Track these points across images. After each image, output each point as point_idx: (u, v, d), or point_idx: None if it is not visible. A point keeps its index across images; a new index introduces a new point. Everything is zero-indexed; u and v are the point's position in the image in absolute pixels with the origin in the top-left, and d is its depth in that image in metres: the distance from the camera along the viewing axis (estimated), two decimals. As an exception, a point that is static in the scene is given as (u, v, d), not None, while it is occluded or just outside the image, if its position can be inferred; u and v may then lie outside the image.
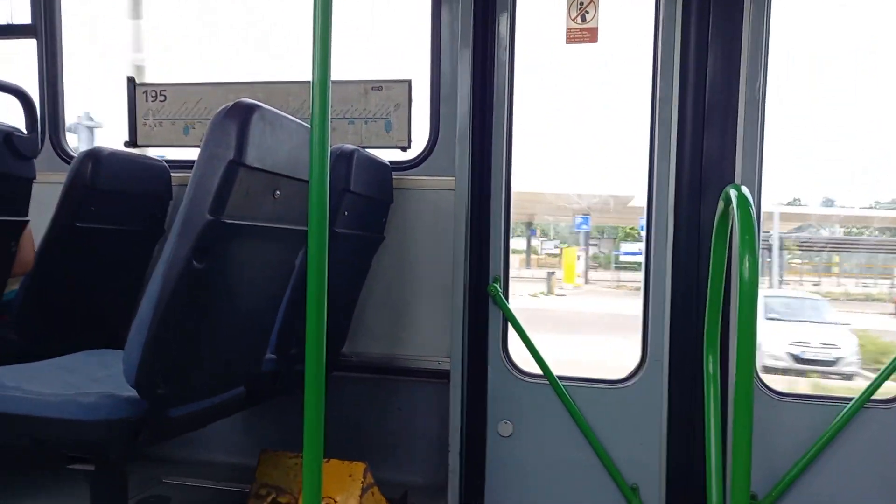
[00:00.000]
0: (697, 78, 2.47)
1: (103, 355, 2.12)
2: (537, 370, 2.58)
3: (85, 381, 1.77)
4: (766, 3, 2.40)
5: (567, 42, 2.65)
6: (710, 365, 2.06)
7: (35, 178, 2.32)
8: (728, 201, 1.75)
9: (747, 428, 1.52)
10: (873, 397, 2.36)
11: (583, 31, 2.63)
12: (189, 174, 1.64)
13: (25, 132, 2.26)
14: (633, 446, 2.53)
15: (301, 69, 3.05)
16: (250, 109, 1.64)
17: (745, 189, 1.68)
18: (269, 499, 2.15)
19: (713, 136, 2.47)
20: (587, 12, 2.61)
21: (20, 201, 2.30)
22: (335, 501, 2.14)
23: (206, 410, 1.88)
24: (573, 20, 2.62)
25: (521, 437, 2.60)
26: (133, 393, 1.60)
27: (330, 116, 1.44)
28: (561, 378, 2.56)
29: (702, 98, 2.47)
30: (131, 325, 1.62)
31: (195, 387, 1.80)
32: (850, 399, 2.38)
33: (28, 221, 2.35)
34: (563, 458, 2.57)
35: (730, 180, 2.44)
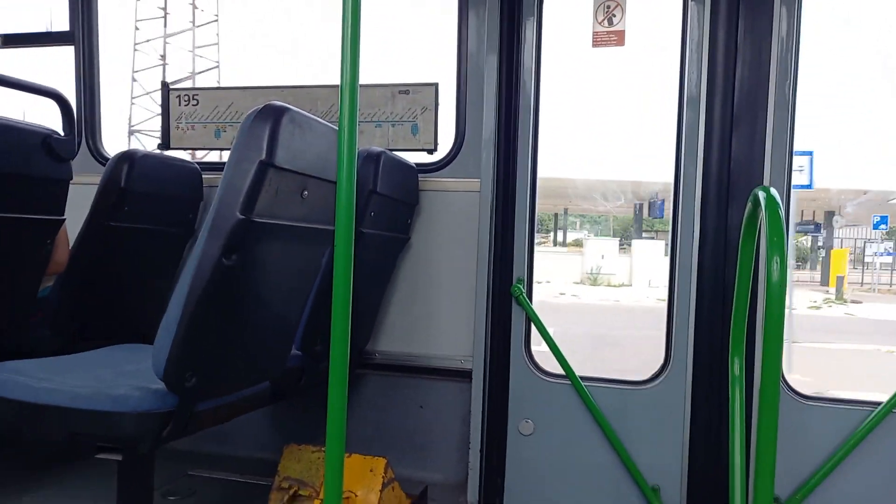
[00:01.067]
0: (725, 80, 2.45)
1: (133, 350, 2.18)
2: (559, 370, 2.57)
3: (115, 374, 1.82)
4: (796, 3, 2.37)
5: (593, 46, 2.65)
6: (736, 367, 2.04)
7: (71, 179, 2.39)
8: (756, 203, 1.74)
9: (773, 431, 1.51)
10: None
11: (609, 35, 2.63)
12: (219, 176, 1.68)
13: (63, 134, 2.33)
14: (655, 448, 2.51)
15: (329, 74, 3.10)
16: (280, 112, 1.67)
17: (773, 191, 1.67)
18: (292, 492, 2.18)
19: (742, 138, 2.44)
20: (614, 16, 2.60)
21: (57, 202, 2.37)
22: (356, 495, 2.16)
23: (232, 405, 1.92)
24: (600, 23, 2.62)
25: (542, 437, 2.60)
26: (161, 386, 1.64)
27: (358, 119, 1.47)
28: (583, 378, 2.55)
29: (730, 100, 2.44)
30: (161, 321, 1.67)
31: (222, 381, 1.84)
32: (879, 403, 2.34)
33: (64, 221, 2.43)
34: (583, 458, 2.56)
35: (758, 182, 2.41)
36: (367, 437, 2.94)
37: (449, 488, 2.76)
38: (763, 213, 1.63)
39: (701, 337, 2.47)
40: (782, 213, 1.61)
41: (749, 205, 1.86)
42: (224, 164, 1.71)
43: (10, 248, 2.26)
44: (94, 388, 1.65)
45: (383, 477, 2.20)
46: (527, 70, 2.62)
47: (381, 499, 2.17)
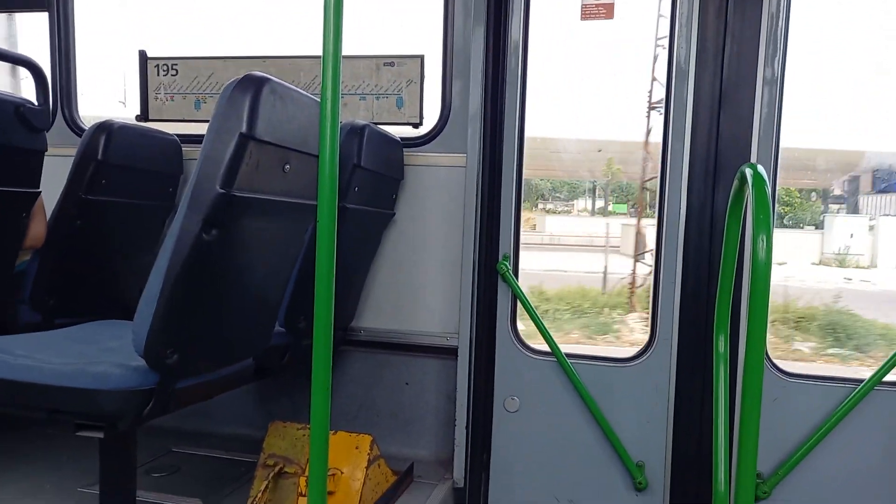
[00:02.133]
0: (715, 56, 2.43)
1: (113, 326, 2.14)
2: (545, 347, 2.58)
3: (95, 351, 1.79)
4: None
5: (582, 18, 2.61)
6: (721, 344, 2.05)
7: (46, 150, 2.33)
8: (743, 180, 1.73)
9: (756, 407, 1.51)
10: (885, 379, 2.35)
11: (598, 7, 2.59)
12: (199, 149, 1.63)
13: (37, 104, 2.27)
14: (639, 424, 2.53)
15: (312, 44, 3.03)
16: (261, 82, 1.63)
17: (760, 168, 1.65)
18: (277, 469, 2.17)
19: (730, 114, 2.43)
20: (603, -12, 2.57)
21: (32, 174, 2.31)
22: (341, 473, 2.16)
23: (215, 382, 1.90)
24: (589, -5, 2.58)
25: (528, 413, 2.61)
26: (142, 363, 1.61)
27: (341, 91, 1.43)
28: (569, 356, 2.56)
29: (719, 76, 2.43)
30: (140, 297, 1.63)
31: (204, 358, 1.81)
32: (861, 381, 2.37)
33: (40, 194, 2.37)
34: (568, 435, 2.58)
35: (746, 159, 2.41)
36: (352, 415, 2.94)
37: (435, 464, 2.78)
38: (750, 190, 1.62)
39: (686, 314, 2.48)
40: (769, 190, 1.60)
41: (736, 181, 1.85)
42: (203, 136, 1.66)
43: None
44: (73, 366, 1.62)
45: (369, 454, 2.20)
46: (514, 43, 2.58)
47: (367, 476, 2.17)
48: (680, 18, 2.44)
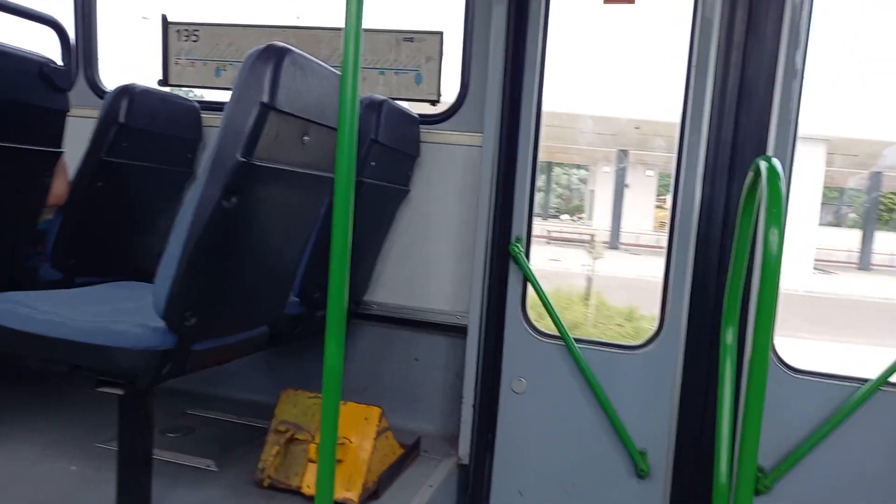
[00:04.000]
0: (737, 46, 2.41)
1: (132, 287, 2.18)
2: (554, 331, 2.60)
3: (115, 310, 1.83)
4: None
5: (605, 2, 2.59)
6: (729, 336, 2.06)
7: (69, 110, 2.35)
8: (758, 173, 1.73)
9: (759, 401, 1.53)
10: (891, 380, 2.35)
11: (622, -9, 2.57)
12: (218, 116, 1.65)
13: (60, 64, 2.29)
14: (644, 412, 2.55)
15: (333, 16, 3.03)
16: (282, 53, 1.64)
17: (775, 161, 1.65)
18: (288, 435, 2.22)
19: (751, 107, 2.41)
20: (628, -29, 2.54)
21: (54, 133, 2.34)
22: (350, 442, 2.20)
23: (231, 346, 1.94)
24: (613, -22, 2.56)
25: (534, 395, 2.64)
26: (161, 324, 1.65)
27: (361, 65, 1.44)
28: (577, 340, 2.58)
29: (739, 69, 2.41)
30: (160, 260, 1.67)
31: (221, 323, 1.85)
32: (868, 380, 2.38)
33: (62, 153, 2.40)
34: (573, 418, 2.61)
35: (763, 153, 2.40)
36: (361, 387, 2.99)
37: (440, 440, 2.82)
38: (763, 184, 1.63)
39: (696, 305, 2.49)
40: (783, 184, 1.60)
41: (750, 174, 1.85)
42: (223, 104, 1.68)
43: (9, 179, 2.24)
44: (95, 323, 1.66)
45: (377, 425, 2.24)
46: (535, 23, 2.56)
47: (375, 446, 2.21)
48: (703, 8, 2.42)
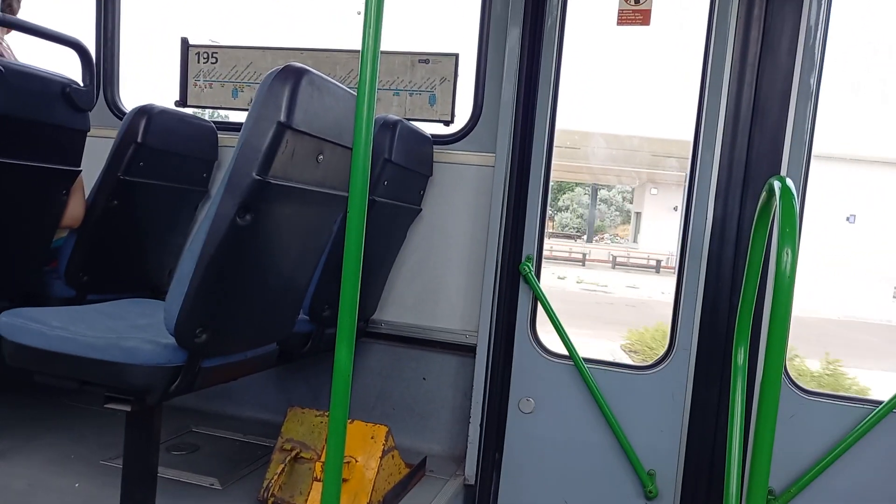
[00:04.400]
0: (752, 69, 2.41)
1: (144, 304, 2.20)
2: (563, 351, 2.59)
3: (126, 326, 1.85)
4: None
5: (618, 24, 2.61)
6: (741, 357, 2.04)
7: (89, 130, 2.40)
8: (771, 192, 1.72)
9: (771, 423, 1.51)
10: None
11: (635, 13, 2.59)
12: (234, 136, 1.68)
13: (82, 85, 2.34)
14: (653, 433, 2.53)
15: (349, 39, 3.08)
16: (300, 73, 1.66)
17: (789, 181, 1.65)
18: (294, 453, 2.21)
19: (764, 128, 2.42)
20: (641, -6, 2.57)
21: (73, 152, 2.39)
22: (356, 461, 2.19)
23: (240, 364, 1.94)
24: (626, 1, 2.58)
25: (542, 415, 2.63)
26: (172, 341, 1.66)
27: (377, 86, 1.46)
28: (586, 360, 2.57)
29: (753, 88, 2.41)
30: (172, 278, 1.68)
31: (231, 340, 1.86)
32: (880, 402, 2.35)
33: (80, 172, 2.44)
34: (582, 439, 2.59)
35: (776, 173, 2.39)
36: (369, 405, 2.98)
37: (447, 460, 2.80)
38: (777, 203, 1.62)
39: (706, 325, 2.47)
40: (796, 203, 1.59)
41: (764, 194, 1.85)
42: (240, 125, 1.71)
43: (27, 196, 2.28)
44: (106, 339, 1.68)
45: (384, 444, 2.23)
46: (549, 46, 2.58)
47: (381, 466, 2.20)
48: (717, 29, 2.43)
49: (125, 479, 1.81)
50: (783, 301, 1.48)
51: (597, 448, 2.58)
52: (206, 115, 3.58)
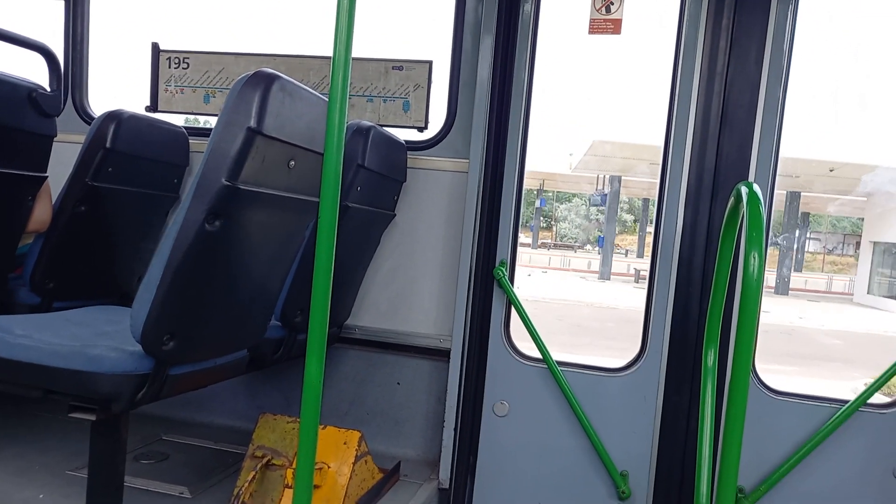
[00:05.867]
0: (720, 77, 2.46)
1: (111, 311, 2.17)
2: (537, 354, 2.61)
3: (92, 334, 1.81)
4: (791, 4, 2.39)
5: (590, 32, 2.65)
6: (710, 359, 2.08)
7: (56, 135, 2.36)
8: (739, 198, 1.76)
9: (740, 423, 1.54)
10: (870, 401, 2.38)
11: (606, 23, 2.63)
12: (206, 142, 1.66)
13: (49, 90, 2.30)
14: (625, 434, 2.56)
15: (323, 45, 3.07)
16: (271, 79, 1.66)
17: (756, 186, 1.68)
18: (265, 460, 2.19)
19: (732, 134, 2.46)
20: (612, 3, 2.60)
21: (40, 158, 2.35)
22: (328, 467, 2.18)
23: (209, 371, 1.92)
24: (598, 10, 2.62)
25: (516, 419, 2.64)
26: (138, 348, 1.63)
27: (349, 92, 1.46)
28: (560, 363, 2.59)
29: (722, 97, 2.46)
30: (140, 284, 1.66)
31: (199, 347, 1.84)
32: (847, 401, 2.40)
33: (46, 178, 2.40)
34: (555, 441, 2.60)
35: (745, 178, 2.44)
36: (342, 411, 2.97)
37: (421, 464, 2.80)
38: (745, 208, 1.65)
39: (677, 328, 2.51)
40: (763, 209, 1.62)
41: (732, 199, 1.88)
42: (211, 130, 1.69)
43: None
44: (70, 347, 1.64)
45: (357, 450, 2.22)
46: (522, 53, 2.61)
47: (354, 471, 2.19)
48: (686, 39, 2.47)
49: (90, 489, 1.77)
50: (751, 303, 1.51)
51: (570, 450, 2.59)
52: (182, 121, 3.54)
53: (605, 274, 22.87)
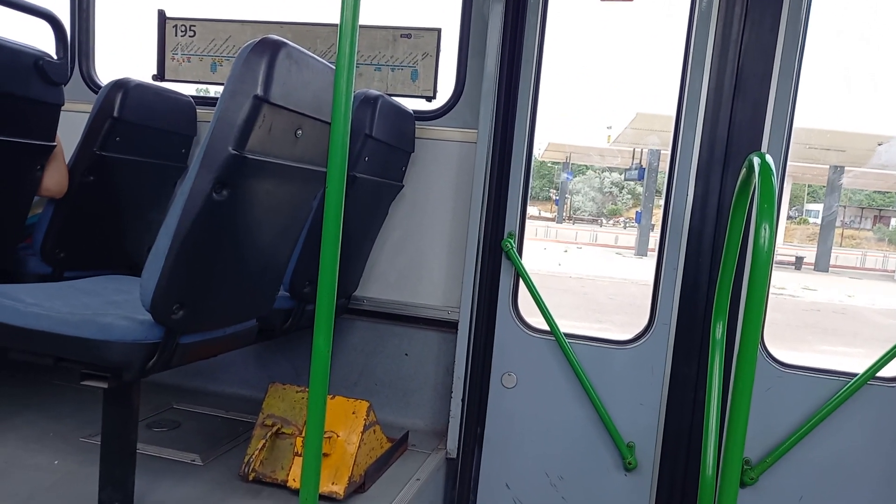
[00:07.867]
0: (734, 44, 2.41)
1: (120, 281, 2.18)
2: (545, 326, 2.61)
3: (102, 303, 1.83)
4: None
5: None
6: (719, 331, 2.07)
7: (63, 104, 2.35)
8: (751, 168, 1.73)
9: (747, 394, 1.54)
10: (878, 374, 2.37)
11: (618, -11, 2.57)
12: (213, 111, 1.65)
13: (56, 58, 2.28)
14: (633, 406, 2.57)
15: (330, 13, 3.03)
16: (277, 46, 1.63)
17: (769, 157, 1.65)
18: (275, 429, 2.21)
19: (745, 104, 2.42)
20: (625, -31, 2.55)
21: (47, 126, 2.34)
22: (337, 436, 2.20)
23: (218, 341, 1.93)
24: (610, -24, 2.56)
25: (524, 390, 2.65)
26: (148, 317, 1.64)
27: (356, 61, 1.44)
28: (567, 336, 2.59)
29: (736, 65, 2.41)
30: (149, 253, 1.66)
31: (209, 316, 1.85)
32: (855, 375, 2.39)
33: (55, 146, 2.39)
34: (562, 413, 2.62)
35: (757, 149, 2.40)
36: (352, 381, 2.99)
37: (429, 435, 2.82)
38: (756, 179, 1.63)
39: (686, 300, 2.50)
40: (776, 180, 1.60)
41: (743, 170, 1.85)
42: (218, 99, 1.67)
43: (0, 172, 2.23)
44: (81, 316, 1.65)
45: (365, 419, 2.24)
46: (532, 21, 2.56)
47: (362, 440, 2.21)
48: (700, 4, 2.42)
49: (104, 456, 1.80)
50: (760, 276, 1.49)
51: (577, 421, 2.61)
52: (193, 90, 3.52)
53: (641, 250, 22.67)
